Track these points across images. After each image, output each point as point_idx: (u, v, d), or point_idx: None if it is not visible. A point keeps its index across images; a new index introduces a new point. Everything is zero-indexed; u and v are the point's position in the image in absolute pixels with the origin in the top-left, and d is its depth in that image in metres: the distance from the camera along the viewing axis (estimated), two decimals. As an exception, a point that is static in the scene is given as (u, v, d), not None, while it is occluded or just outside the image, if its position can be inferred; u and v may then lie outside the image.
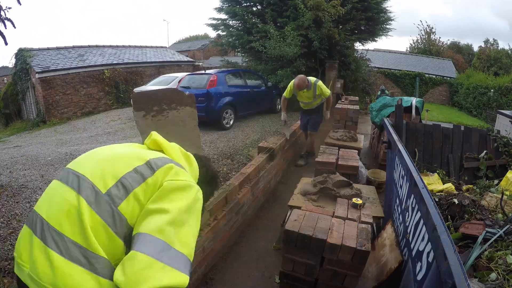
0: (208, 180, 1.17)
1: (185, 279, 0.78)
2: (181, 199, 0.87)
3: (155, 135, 1.06)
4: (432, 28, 26.37)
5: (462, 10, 67.48)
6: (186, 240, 0.84)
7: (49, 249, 0.78)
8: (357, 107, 5.74)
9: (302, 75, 4.27)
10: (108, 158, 0.93)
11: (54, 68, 10.17)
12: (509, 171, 3.20)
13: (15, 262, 0.86)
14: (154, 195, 0.86)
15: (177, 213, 0.84)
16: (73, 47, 12.09)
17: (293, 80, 4.28)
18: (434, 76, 18.28)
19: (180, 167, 0.97)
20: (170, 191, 0.87)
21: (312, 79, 4.29)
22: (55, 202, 0.85)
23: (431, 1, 75.54)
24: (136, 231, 0.82)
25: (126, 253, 0.81)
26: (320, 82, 4.31)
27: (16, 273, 0.85)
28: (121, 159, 0.92)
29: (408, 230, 1.72)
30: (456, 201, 2.37)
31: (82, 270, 0.78)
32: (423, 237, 1.42)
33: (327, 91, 4.32)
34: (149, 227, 0.80)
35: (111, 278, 0.79)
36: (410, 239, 1.64)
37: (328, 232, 1.84)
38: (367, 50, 13.21)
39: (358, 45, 10.91)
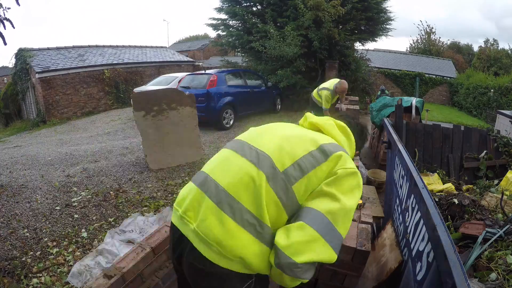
0: (359, 134, 1.26)
1: (335, 257, 0.89)
2: (352, 191, 0.95)
3: (310, 117, 1.13)
4: (432, 28, 26.40)
5: (454, 12, 69.14)
6: (347, 226, 0.93)
7: (225, 214, 0.88)
8: (357, 107, 5.74)
9: (342, 80, 4.67)
10: (284, 138, 1.00)
11: (54, 68, 10.17)
12: (509, 171, 3.20)
13: (176, 214, 0.98)
14: (329, 179, 0.93)
15: (347, 205, 0.91)
16: (73, 47, 12.09)
17: (332, 87, 4.60)
18: (434, 76, 18.26)
19: (346, 152, 1.02)
20: (343, 177, 0.94)
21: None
22: (233, 171, 0.94)
23: (425, 4, 76.68)
24: (308, 205, 0.91)
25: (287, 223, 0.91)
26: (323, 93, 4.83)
27: (174, 223, 0.98)
28: (296, 141, 0.99)
29: (408, 230, 1.72)
30: (456, 201, 2.36)
31: (250, 236, 0.88)
32: (423, 237, 1.42)
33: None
34: (321, 206, 0.89)
35: (271, 246, 0.90)
36: (410, 239, 1.64)
37: (328, 232, 1.84)
38: (367, 50, 13.19)
39: (358, 45, 10.93)
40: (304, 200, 0.93)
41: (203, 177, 0.98)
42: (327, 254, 0.87)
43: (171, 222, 1.02)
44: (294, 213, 0.93)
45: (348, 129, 1.16)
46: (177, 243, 0.99)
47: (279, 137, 1.00)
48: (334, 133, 1.09)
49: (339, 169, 0.94)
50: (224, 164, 0.99)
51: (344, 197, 0.91)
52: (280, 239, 0.86)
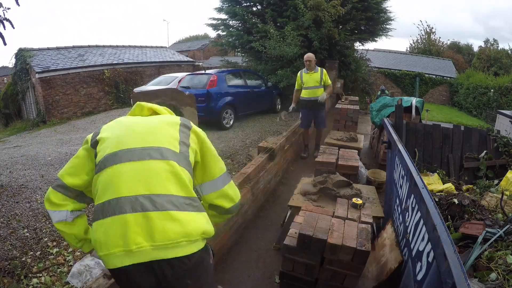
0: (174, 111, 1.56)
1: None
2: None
3: (146, 104, 1.32)
4: (432, 28, 26.40)
5: (447, 15, 70.31)
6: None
7: (171, 211, 0.99)
8: (357, 107, 5.74)
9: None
10: (158, 131, 1.16)
11: (54, 68, 10.16)
12: (509, 171, 3.20)
13: (116, 257, 0.96)
14: (202, 145, 1.25)
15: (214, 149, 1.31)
16: (73, 47, 12.08)
17: (299, 71, 5.14)
18: (434, 76, 18.27)
19: None
20: (203, 136, 1.28)
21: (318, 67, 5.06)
22: (150, 176, 1.03)
23: (420, 6, 77.46)
24: (212, 171, 1.26)
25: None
26: (325, 70, 5.00)
27: (123, 265, 0.96)
28: (166, 129, 1.17)
29: (408, 230, 1.72)
30: (456, 201, 2.36)
31: (194, 213, 1.06)
32: (423, 237, 1.42)
33: (329, 80, 5.01)
34: (218, 167, 1.28)
35: (204, 209, 1.14)
36: (410, 239, 1.64)
37: (328, 232, 1.84)
38: (367, 50, 13.19)
39: (358, 45, 10.90)
40: (193, 158, 1.19)
41: (128, 201, 0.98)
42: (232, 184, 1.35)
43: (116, 269, 0.97)
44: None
45: (167, 108, 1.43)
46: (147, 277, 0.99)
47: (155, 132, 1.15)
48: (165, 111, 1.36)
49: (200, 132, 1.26)
50: (137, 176, 1.03)
51: (211, 145, 1.30)
52: (227, 204, 1.29)
